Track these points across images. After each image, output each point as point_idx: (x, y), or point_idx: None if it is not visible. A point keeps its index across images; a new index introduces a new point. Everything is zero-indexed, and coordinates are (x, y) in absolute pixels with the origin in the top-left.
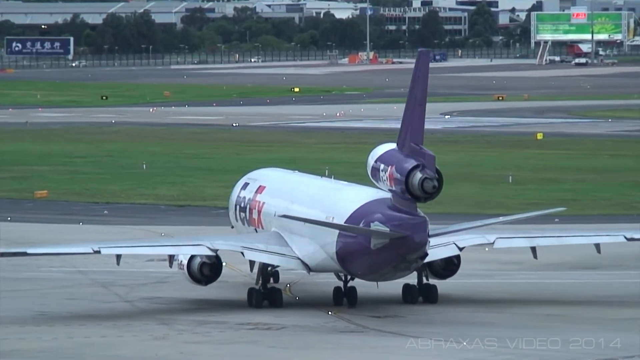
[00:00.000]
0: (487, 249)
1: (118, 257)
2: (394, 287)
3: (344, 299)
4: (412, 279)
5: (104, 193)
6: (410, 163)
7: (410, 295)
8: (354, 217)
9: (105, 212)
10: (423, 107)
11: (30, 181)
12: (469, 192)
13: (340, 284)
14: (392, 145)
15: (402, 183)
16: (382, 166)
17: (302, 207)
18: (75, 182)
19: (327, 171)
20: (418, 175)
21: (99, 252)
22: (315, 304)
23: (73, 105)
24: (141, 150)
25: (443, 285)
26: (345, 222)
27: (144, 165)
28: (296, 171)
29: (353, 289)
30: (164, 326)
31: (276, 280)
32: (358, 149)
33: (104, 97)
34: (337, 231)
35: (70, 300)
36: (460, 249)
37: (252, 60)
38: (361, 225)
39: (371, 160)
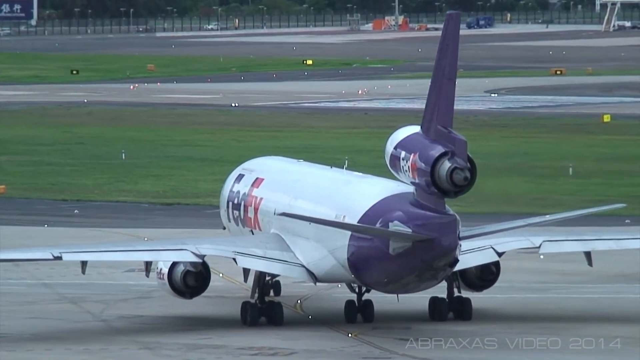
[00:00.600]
0: (541, 256)
1: (83, 264)
2: (418, 300)
3: (357, 315)
4: (440, 290)
5: (74, 188)
6: (437, 150)
7: (439, 311)
8: (369, 216)
9: (75, 211)
10: (453, 82)
11: None
12: (520, 188)
13: (354, 296)
14: (416, 129)
15: (428, 174)
16: (403, 154)
17: (307, 204)
18: (39, 175)
19: (346, 162)
20: (446, 164)
21: (60, 258)
22: (327, 321)
23: (37, 82)
24: (120, 136)
25: (480, 300)
26: (358, 222)
27: (123, 155)
28: (301, 160)
29: (369, 302)
30: (147, 351)
31: (277, 292)
32: (384, 135)
33: (74, 72)
34: (348, 233)
35: (33, 319)
36: (500, 255)
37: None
38: (378, 225)
39: (390, 146)
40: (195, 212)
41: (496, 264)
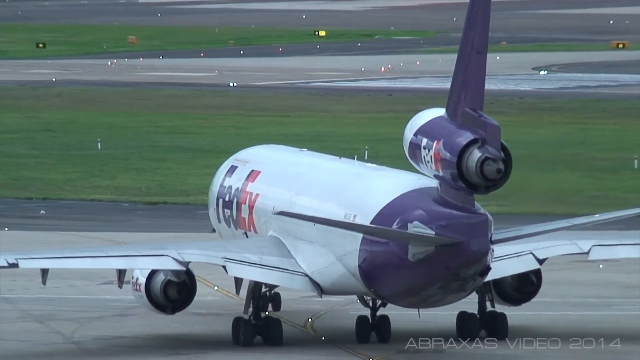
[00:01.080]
0: (600, 265)
1: (44, 272)
2: (443, 315)
3: (371, 334)
4: (471, 304)
5: (40, 185)
6: (465, 137)
7: (469, 328)
8: (385, 216)
9: (42, 212)
10: (483, 56)
11: None
12: (575, 184)
13: (367, 312)
14: (440, 112)
15: (453, 166)
16: (424, 141)
17: (311, 201)
18: None
19: (366, 152)
20: (476, 154)
21: (16, 265)
22: (339, 340)
23: None
24: (95, 123)
25: (524, 318)
26: (371, 223)
27: (99, 144)
28: (304, 150)
29: (385, 319)
30: None
31: (277, 307)
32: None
33: (40, 45)
34: (360, 236)
35: None
36: (541, 262)
37: None
38: (394, 226)
39: (409, 133)
40: (185, 213)
41: (537, 273)
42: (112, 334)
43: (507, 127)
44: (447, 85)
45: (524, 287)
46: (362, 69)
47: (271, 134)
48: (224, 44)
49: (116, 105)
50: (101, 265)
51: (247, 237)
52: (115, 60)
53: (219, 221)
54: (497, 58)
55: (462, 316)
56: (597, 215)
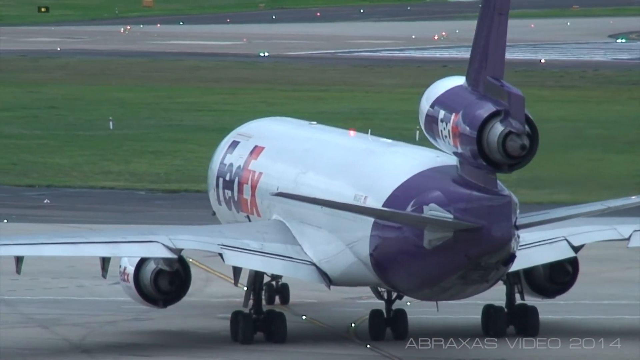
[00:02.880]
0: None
1: (19, 260)
2: (468, 308)
3: (386, 329)
4: (498, 296)
5: (43, 170)
6: (487, 109)
7: (494, 323)
8: (398, 197)
9: (45, 201)
10: (505, 17)
11: None
12: None
13: (382, 305)
14: (460, 80)
15: (473, 141)
16: (441, 114)
17: (319, 181)
18: None
19: (417, 133)
20: (498, 128)
21: None
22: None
23: None
24: (105, 98)
25: (549, 309)
26: (383, 205)
27: (111, 124)
28: (314, 123)
29: (401, 313)
30: None
31: (285, 300)
32: None
33: (42, 9)
34: (371, 220)
35: None
36: (576, 249)
37: None
38: (409, 209)
39: (425, 104)
40: (207, 202)
41: (573, 262)
42: (125, 340)
43: (579, 103)
44: (511, 55)
45: (558, 277)
46: (413, 37)
47: (307, 111)
48: (253, 7)
49: (130, 79)
50: (82, 252)
51: (249, 221)
52: (128, 27)
53: (219, 203)
54: (568, 24)
55: (488, 310)
56: (634, 197)
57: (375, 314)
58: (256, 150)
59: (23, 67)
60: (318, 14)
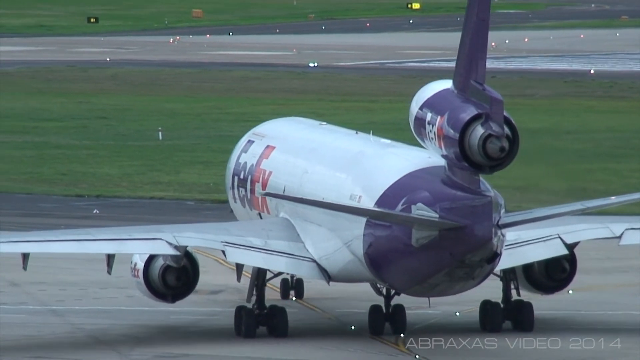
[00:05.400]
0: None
1: (24, 257)
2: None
3: (385, 324)
4: (496, 293)
5: (92, 180)
6: (469, 112)
7: (491, 318)
8: (388, 197)
9: (95, 211)
10: (485, 23)
11: None
12: None
13: (380, 300)
14: (447, 84)
15: (456, 144)
16: (429, 116)
17: (320, 181)
18: (45, 162)
19: None
20: (479, 131)
21: None
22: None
23: (41, 33)
24: (155, 109)
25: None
26: (375, 204)
27: (160, 134)
28: (324, 124)
29: (400, 308)
30: None
31: (300, 294)
32: (519, 106)
33: (92, 20)
34: (364, 220)
35: None
36: (570, 247)
37: None
38: (399, 208)
39: (415, 106)
40: None
41: (569, 259)
42: (175, 351)
43: (627, 114)
44: (559, 65)
45: (555, 274)
46: None
47: (356, 122)
48: (303, 18)
49: (179, 89)
50: (88, 249)
51: (260, 218)
52: (178, 37)
53: (235, 201)
54: (617, 34)
55: (485, 306)
56: (613, 198)
57: (374, 309)
58: (267, 150)
59: (72, 78)
60: (367, 24)
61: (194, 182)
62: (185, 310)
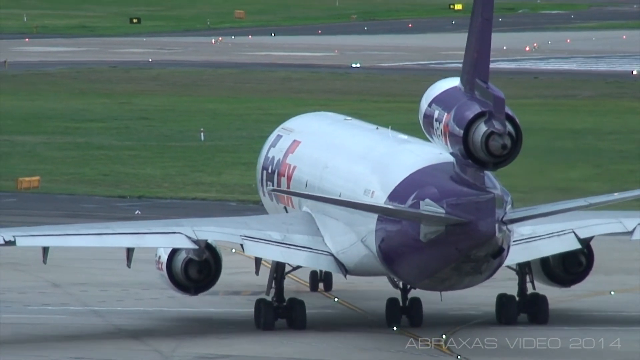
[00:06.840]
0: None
1: (45, 251)
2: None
3: (401, 317)
4: (511, 286)
5: (134, 181)
6: (473, 110)
7: (507, 311)
8: (399, 192)
9: (137, 212)
10: (489, 23)
11: (10, 160)
12: None
13: (397, 293)
14: (455, 82)
15: (461, 141)
16: (436, 112)
17: (338, 176)
18: (87, 163)
19: None
20: (482, 128)
21: (13, 243)
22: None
23: (83, 34)
24: (197, 110)
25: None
26: (387, 199)
27: (202, 135)
28: (349, 119)
29: (416, 302)
30: None
31: (328, 287)
32: (561, 108)
33: (134, 20)
34: (375, 215)
35: None
36: (584, 241)
37: None
38: (409, 203)
39: (424, 103)
40: None
41: (585, 253)
42: (217, 352)
43: None
44: (601, 66)
45: (571, 267)
46: (504, 48)
47: (399, 122)
48: (345, 18)
49: (221, 90)
50: (107, 243)
51: (286, 212)
52: (220, 38)
53: (264, 194)
54: None
55: (501, 299)
56: (616, 194)
57: (391, 302)
58: (294, 145)
59: (114, 78)
60: (410, 25)
61: (236, 183)
62: (226, 311)
